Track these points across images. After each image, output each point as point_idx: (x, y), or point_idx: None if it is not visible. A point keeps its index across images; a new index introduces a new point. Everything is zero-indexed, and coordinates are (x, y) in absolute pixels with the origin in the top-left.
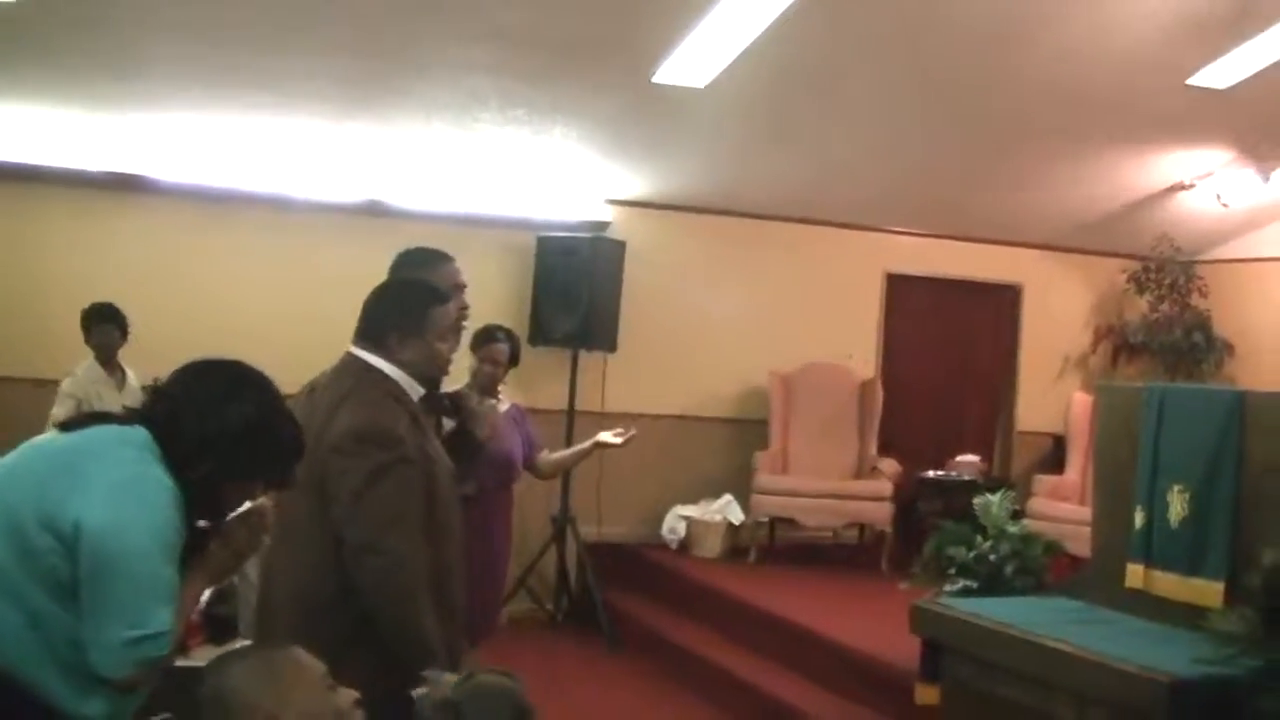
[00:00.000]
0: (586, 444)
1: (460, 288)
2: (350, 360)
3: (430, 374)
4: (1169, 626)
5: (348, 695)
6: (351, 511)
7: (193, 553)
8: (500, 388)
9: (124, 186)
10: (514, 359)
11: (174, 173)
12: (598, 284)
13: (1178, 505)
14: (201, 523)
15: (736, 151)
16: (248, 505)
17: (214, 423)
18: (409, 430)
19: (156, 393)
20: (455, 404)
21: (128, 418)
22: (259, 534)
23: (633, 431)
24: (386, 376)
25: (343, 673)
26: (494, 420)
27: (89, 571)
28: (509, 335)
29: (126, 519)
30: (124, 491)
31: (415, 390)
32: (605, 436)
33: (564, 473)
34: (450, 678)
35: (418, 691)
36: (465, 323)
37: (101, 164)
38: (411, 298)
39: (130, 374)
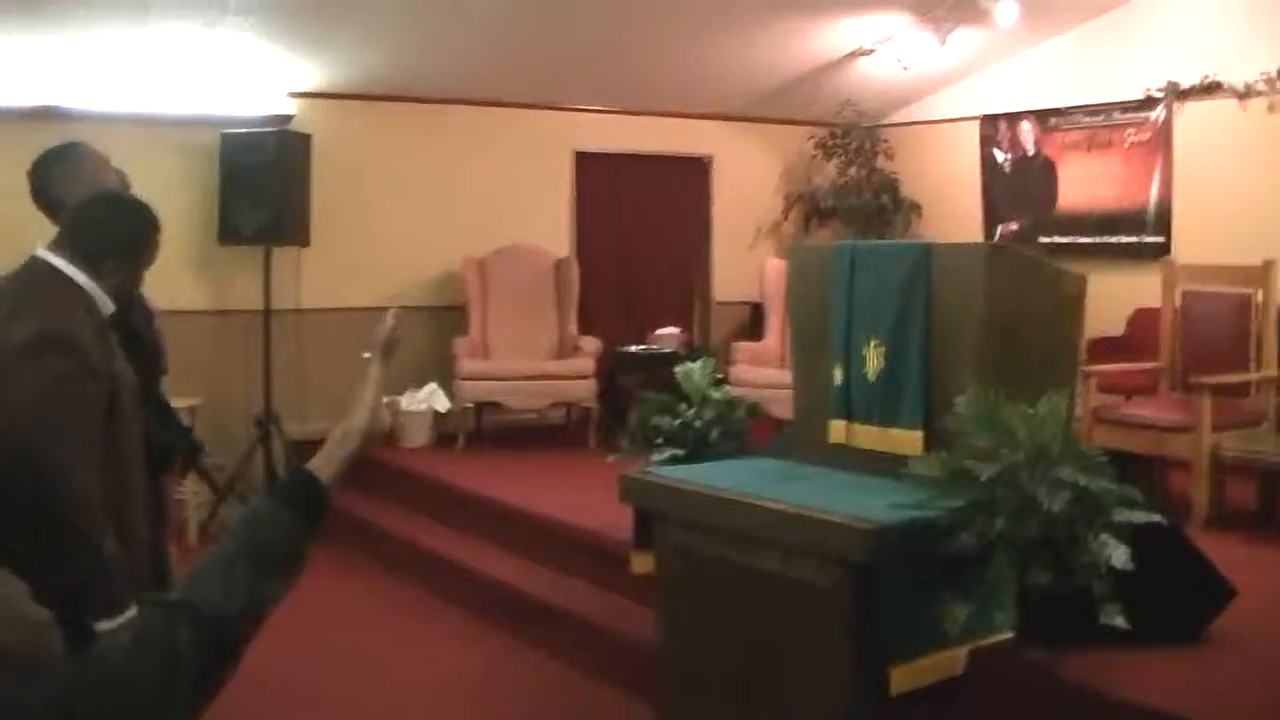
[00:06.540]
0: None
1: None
2: (38, 265)
3: (127, 294)
4: (872, 477)
5: (44, 611)
6: (25, 422)
7: None
8: None
9: None
10: None
11: None
12: (286, 179)
13: (874, 359)
14: None
15: (414, 36)
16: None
17: None
18: (95, 343)
19: None
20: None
21: None
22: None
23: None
24: (79, 286)
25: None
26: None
27: None
28: None
29: None
30: None
31: (107, 305)
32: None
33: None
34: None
35: (105, 624)
36: None
37: None
38: (138, 223)
39: None
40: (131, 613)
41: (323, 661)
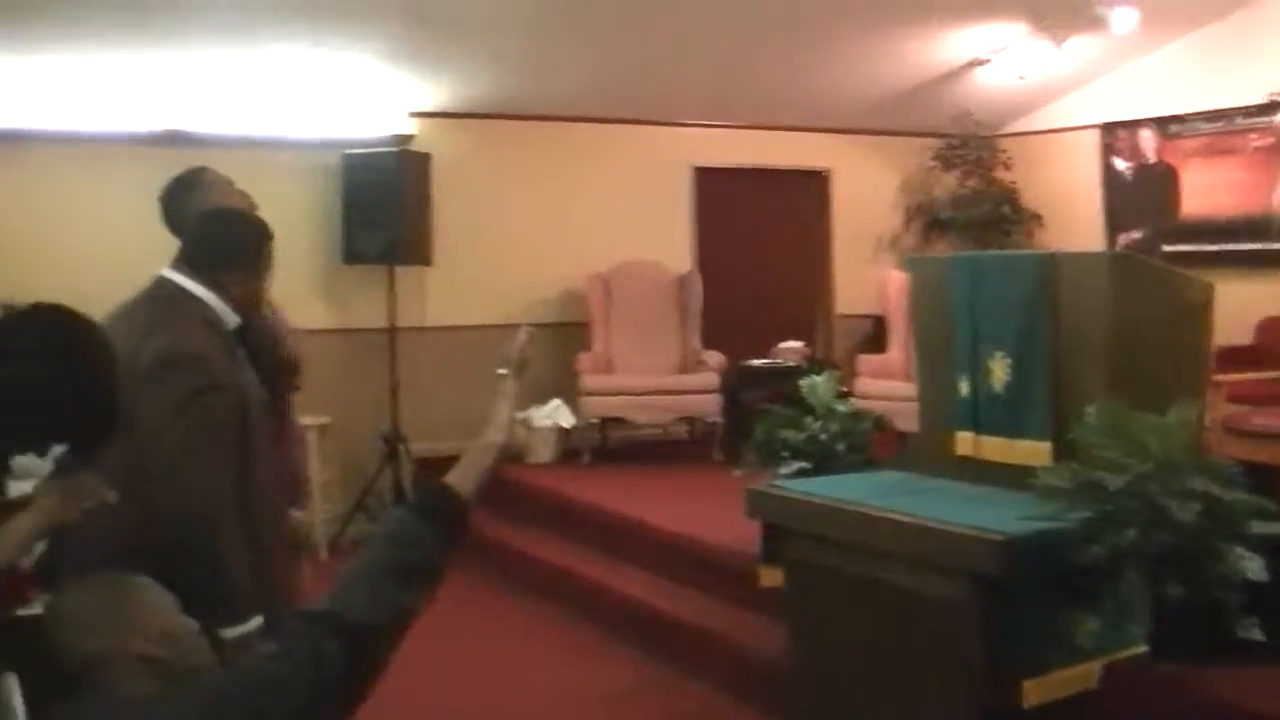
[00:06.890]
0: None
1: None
2: (163, 284)
3: (251, 308)
4: (998, 489)
5: (192, 622)
6: (157, 439)
7: None
8: None
9: None
10: None
11: None
12: (407, 198)
13: (999, 370)
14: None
15: (533, 54)
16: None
17: None
18: (221, 356)
19: None
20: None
21: None
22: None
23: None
24: (202, 302)
25: None
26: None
27: None
28: None
29: None
30: None
31: (231, 318)
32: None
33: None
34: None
35: (230, 632)
36: None
37: None
38: (250, 234)
39: None
40: (257, 621)
41: (451, 678)
